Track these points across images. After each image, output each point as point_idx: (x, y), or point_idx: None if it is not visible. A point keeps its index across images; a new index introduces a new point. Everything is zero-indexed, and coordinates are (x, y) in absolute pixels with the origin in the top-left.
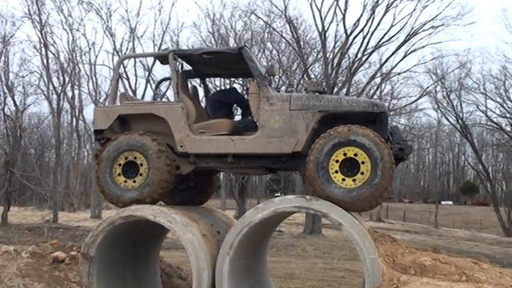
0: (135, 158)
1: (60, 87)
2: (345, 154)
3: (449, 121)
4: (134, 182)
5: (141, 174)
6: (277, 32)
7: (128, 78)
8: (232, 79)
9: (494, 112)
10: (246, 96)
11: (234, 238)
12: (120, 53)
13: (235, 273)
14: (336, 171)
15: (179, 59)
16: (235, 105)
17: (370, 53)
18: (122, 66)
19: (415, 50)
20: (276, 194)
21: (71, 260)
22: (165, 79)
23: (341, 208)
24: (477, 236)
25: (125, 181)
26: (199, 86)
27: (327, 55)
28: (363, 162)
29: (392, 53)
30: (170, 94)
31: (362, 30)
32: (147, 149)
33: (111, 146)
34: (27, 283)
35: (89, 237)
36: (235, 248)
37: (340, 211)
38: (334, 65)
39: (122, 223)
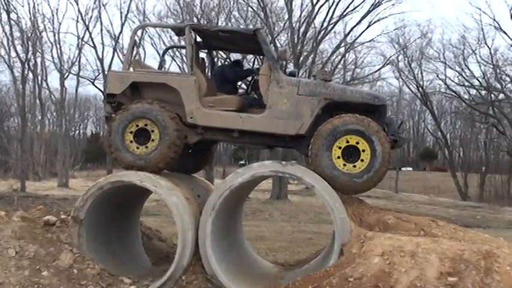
0: (152, 131)
1: (23, 56)
2: (357, 143)
3: (411, 89)
4: (138, 148)
5: (146, 147)
6: (243, 0)
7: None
8: None
9: (452, 81)
10: (247, 72)
11: (216, 200)
12: (84, 21)
13: (216, 233)
14: (339, 147)
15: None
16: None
17: (335, 23)
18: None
19: (378, 20)
20: (241, 162)
21: (61, 223)
22: (171, 47)
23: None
24: (435, 200)
25: (131, 141)
26: (206, 57)
27: (293, 24)
28: (362, 160)
29: (357, 23)
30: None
31: (327, 0)
32: (166, 132)
33: (143, 106)
34: (22, 244)
35: (79, 201)
36: (217, 209)
37: (313, 175)
38: (300, 34)
39: (109, 188)
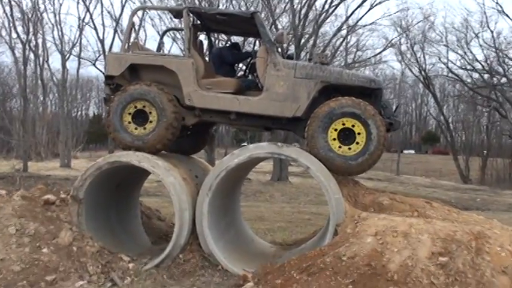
0: (150, 112)
1: (24, 36)
2: (353, 125)
3: (413, 72)
4: (136, 129)
5: (144, 128)
6: None
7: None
8: None
9: (454, 64)
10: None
11: (212, 181)
12: (85, 2)
13: (213, 212)
14: (335, 130)
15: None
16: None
17: (337, 5)
18: (135, 16)
19: (380, 3)
20: (243, 144)
21: (61, 202)
22: (170, 29)
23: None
24: (436, 183)
25: (129, 122)
26: (204, 39)
27: (294, 7)
28: (357, 143)
29: (359, 6)
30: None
31: None
32: (164, 114)
33: (142, 88)
34: (23, 222)
35: (78, 181)
36: (214, 190)
37: (309, 156)
38: (302, 16)
39: (108, 168)
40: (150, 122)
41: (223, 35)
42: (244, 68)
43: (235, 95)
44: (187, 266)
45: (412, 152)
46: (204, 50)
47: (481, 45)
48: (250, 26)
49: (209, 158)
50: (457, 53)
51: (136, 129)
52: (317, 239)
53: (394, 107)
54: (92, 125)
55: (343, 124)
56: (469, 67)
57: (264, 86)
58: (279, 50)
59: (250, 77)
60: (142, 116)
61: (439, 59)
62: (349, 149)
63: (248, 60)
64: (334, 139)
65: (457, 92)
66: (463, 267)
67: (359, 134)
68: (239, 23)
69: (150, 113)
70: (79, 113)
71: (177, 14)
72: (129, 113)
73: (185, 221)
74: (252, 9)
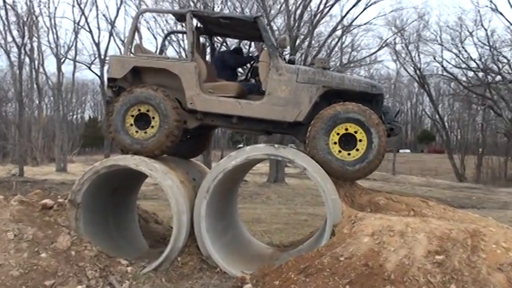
0: (153, 117)
1: (20, 40)
2: (355, 132)
3: (408, 72)
4: (137, 132)
5: (145, 132)
6: None
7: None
8: None
9: (449, 63)
10: (247, 59)
11: (210, 183)
12: (80, 6)
13: (211, 215)
14: (338, 134)
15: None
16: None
17: (332, 5)
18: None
19: (375, 2)
20: (239, 146)
21: (59, 206)
22: (172, 32)
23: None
24: (432, 182)
25: (131, 125)
26: (207, 43)
27: (289, 7)
28: (357, 149)
29: (353, 5)
30: None
31: None
32: (166, 121)
33: (148, 92)
34: (21, 227)
35: (76, 185)
36: (211, 192)
37: (305, 157)
38: (297, 17)
39: (105, 172)
40: (152, 127)
41: (220, 38)
42: (246, 72)
43: (237, 99)
44: (186, 268)
45: (408, 151)
46: (206, 54)
47: (475, 44)
48: (253, 30)
49: (205, 160)
50: (451, 51)
51: (137, 132)
52: (314, 240)
53: (394, 112)
54: (87, 128)
55: (346, 129)
56: (463, 66)
57: (266, 90)
58: (281, 54)
59: (252, 81)
60: (145, 119)
61: (434, 58)
62: (349, 154)
63: (250, 64)
64: (335, 143)
65: (452, 91)
66: (459, 265)
67: (360, 141)
68: (242, 27)
69: (153, 118)
70: (74, 116)
71: (180, 17)
72: (132, 115)
73: (183, 224)
74: (248, 9)
